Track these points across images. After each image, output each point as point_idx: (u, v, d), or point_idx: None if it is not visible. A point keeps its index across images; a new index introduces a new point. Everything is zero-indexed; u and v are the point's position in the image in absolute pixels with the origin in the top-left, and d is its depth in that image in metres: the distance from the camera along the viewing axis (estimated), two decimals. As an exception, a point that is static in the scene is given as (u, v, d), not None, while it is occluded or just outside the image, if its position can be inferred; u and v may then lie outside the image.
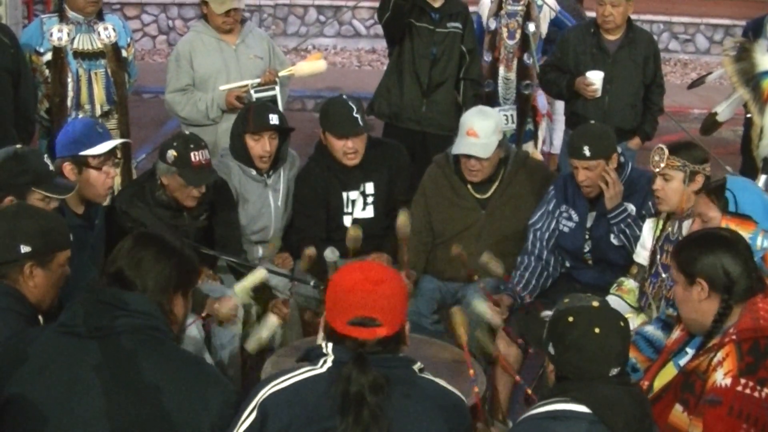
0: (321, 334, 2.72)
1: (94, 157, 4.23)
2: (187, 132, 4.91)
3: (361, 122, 4.96)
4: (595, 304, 2.74)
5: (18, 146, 3.97)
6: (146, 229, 3.13)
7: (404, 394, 2.55)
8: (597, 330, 2.65)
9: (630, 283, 4.42)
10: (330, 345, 2.60)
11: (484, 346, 4.16)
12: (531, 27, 6.32)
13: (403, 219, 4.65)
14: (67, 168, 4.18)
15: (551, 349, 2.74)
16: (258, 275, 4.48)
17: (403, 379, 2.58)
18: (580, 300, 2.78)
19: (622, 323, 2.72)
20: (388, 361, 2.57)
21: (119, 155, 4.54)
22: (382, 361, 2.55)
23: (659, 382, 3.20)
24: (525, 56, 6.34)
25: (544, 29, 6.62)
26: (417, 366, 2.64)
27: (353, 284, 2.60)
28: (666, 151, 4.14)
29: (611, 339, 2.66)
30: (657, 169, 4.16)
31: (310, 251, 4.64)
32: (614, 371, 2.65)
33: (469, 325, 4.21)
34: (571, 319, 2.70)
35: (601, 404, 2.58)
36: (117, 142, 4.41)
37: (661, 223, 4.29)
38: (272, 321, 4.26)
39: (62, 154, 4.24)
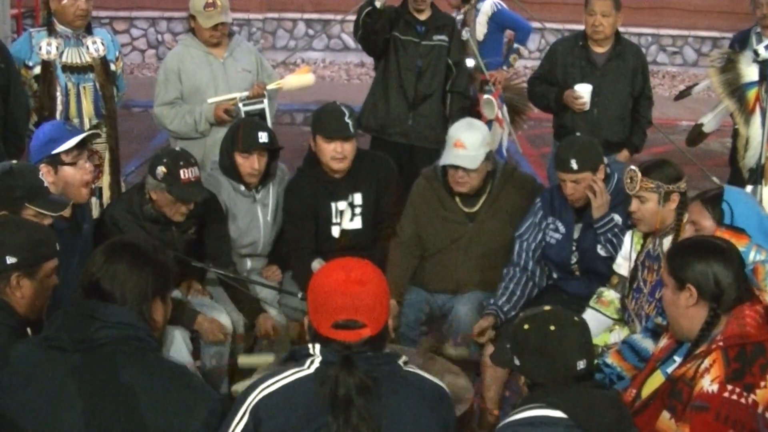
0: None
1: (66, 153, 4.20)
2: (177, 148, 4.90)
3: (351, 128, 4.96)
4: (546, 307, 2.87)
5: (14, 162, 3.97)
6: (117, 238, 3.11)
7: (392, 391, 2.58)
8: (552, 327, 2.76)
9: (610, 294, 4.41)
10: (317, 346, 2.61)
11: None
12: (464, 34, 6.49)
13: None
14: (44, 170, 4.14)
15: (517, 361, 2.82)
16: (266, 360, 4.46)
17: (390, 375, 2.60)
18: (532, 311, 2.89)
19: (576, 318, 2.83)
20: (374, 359, 2.59)
21: (96, 152, 4.48)
22: (368, 359, 2.57)
23: (647, 390, 3.20)
24: (466, 61, 6.51)
25: (480, 33, 6.98)
26: (402, 360, 2.67)
27: (336, 286, 2.61)
28: (639, 174, 4.12)
29: (568, 332, 2.76)
30: (631, 192, 4.14)
31: None
32: (581, 364, 2.71)
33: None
34: (526, 326, 2.81)
35: (576, 408, 2.63)
36: (87, 133, 4.34)
37: (641, 239, 4.28)
38: None
39: (37, 158, 4.23)
